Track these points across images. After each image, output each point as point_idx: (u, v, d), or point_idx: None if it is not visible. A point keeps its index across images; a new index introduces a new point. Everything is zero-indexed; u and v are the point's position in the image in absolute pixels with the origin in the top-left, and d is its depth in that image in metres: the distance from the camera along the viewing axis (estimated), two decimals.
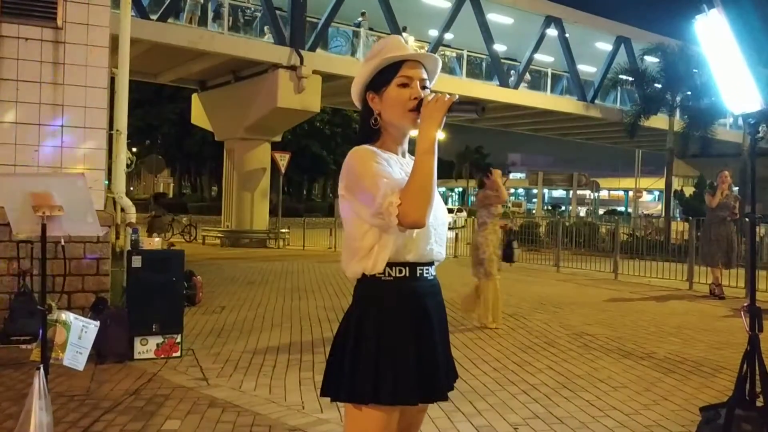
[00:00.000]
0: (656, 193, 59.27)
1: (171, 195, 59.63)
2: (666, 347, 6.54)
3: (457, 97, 1.91)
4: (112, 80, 7.30)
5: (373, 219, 1.88)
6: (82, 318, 3.05)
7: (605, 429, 4.14)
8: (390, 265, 1.96)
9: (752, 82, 3.05)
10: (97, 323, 3.15)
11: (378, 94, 2.04)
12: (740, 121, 28.59)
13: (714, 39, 3.00)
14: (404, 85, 2.01)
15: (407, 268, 1.98)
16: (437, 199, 2.07)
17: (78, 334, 2.91)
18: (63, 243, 3.16)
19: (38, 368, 2.83)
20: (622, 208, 61.83)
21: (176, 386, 4.85)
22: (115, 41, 7.09)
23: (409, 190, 1.82)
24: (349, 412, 1.97)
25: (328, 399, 2.00)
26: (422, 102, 1.95)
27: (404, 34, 21.98)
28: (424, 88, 2.03)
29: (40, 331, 2.89)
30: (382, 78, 2.03)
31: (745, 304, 3.19)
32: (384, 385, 1.91)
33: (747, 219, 11.52)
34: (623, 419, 4.32)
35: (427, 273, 2.03)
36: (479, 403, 4.58)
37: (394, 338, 1.95)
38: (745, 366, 3.12)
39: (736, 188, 10.64)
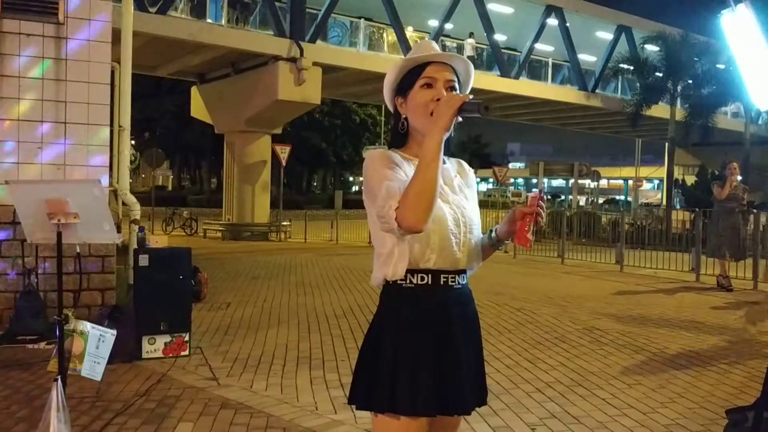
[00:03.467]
0: (656, 181, 59.26)
1: (170, 188, 59.54)
2: (678, 342, 6.49)
3: (471, 97, 1.83)
4: (113, 74, 7.20)
5: (378, 222, 1.84)
6: (99, 327, 2.99)
7: (623, 429, 4.08)
8: (412, 272, 1.90)
9: None
10: (114, 332, 3.09)
11: (405, 98, 1.99)
12: (742, 110, 28.56)
13: (741, 35, 2.92)
14: (428, 86, 1.95)
15: (429, 276, 1.92)
16: (470, 206, 2.01)
17: (95, 344, 2.84)
18: (78, 250, 3.09)
19: (56, 380, 2.76)
20: (622, 197, 61.80)
21: (186, 386, 4.79)
22: (115, 35, 6.98)
23: (407, 195, 1.76)
24: (373, 420, 1.94)
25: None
26: None
27: (469, 40, 22.94)
28: (452, 89, 1.96)
29: (57, 342, 2.82)
30: (408, 80, 1.98)
31: None
32: (401, 395, 1.86)
33: (755, 210, 11.53)
34: (641, 418, 4.26)
35: (453, 281, 1.95)
36: (494, 402, 4.51)
37: (412, 348, 1.89)
38: None
39: (739, 177, 10.56)
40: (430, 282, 1.92)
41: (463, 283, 1.99)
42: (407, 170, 1.90)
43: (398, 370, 1.87)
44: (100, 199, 2.75)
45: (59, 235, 2.69)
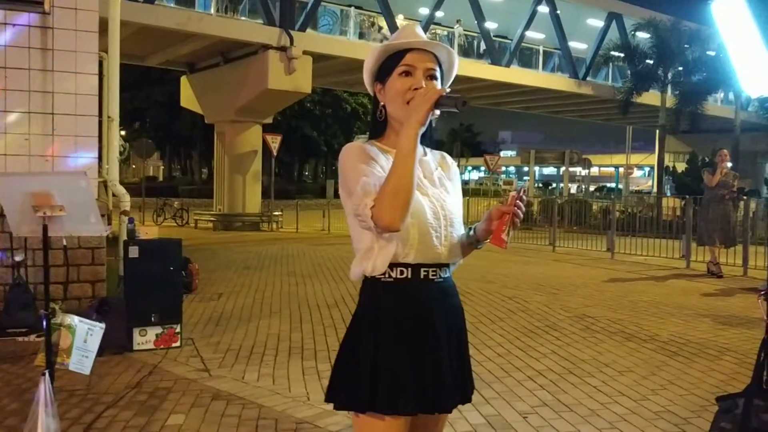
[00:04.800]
0: (646, 169, 59.46)
1: (161, 178, 59.28)
2: (668, 329, 6.52)
3: (448, 90, 1.78)
4: (100, 64, 7.14)
5: (356, 220, 1.80)
6: (87, 320, 2.96)
7: (614, 416, 4.10)
8: (391, 266, 1.85)
9: None
10: (103, 325, 3.06)
11: (383, 85, 1.93)
12: (731, 97, 28.65)
13: (732, 21, 2.91)
14: (406, 74, 1.88)
15: (409, 269, 1.85)
16: (450, 199, 1.95)
17: (83, 338, 2.82)
18: (65, 243, 3.06)
19: (44, 374, 2.74)
20: (612, 185, 62.00)
21: (178, 378, 4.78)
22: (102, 24, 6.91)
23: (383, 193, 1.71)
24: (353, 419, 1.89)
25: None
26: None
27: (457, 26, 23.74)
28: (432, 78, 1.90)
29: (45, 335, 2.79)
30: (387, 66, 1.92)
31: (762, 291, 3.13)
32: (381, 394, 1.81)
33: (745, 197, 11.58)
34: (632, 405, 4.28)
35: (434, 275, 1.88)
36: (486, 390, 4.53)
37: (393, 344, 1.83)
38: (762, 355, 3.05)
39: (729, 164, 10.61)
40: (409, 276, 1.86)
41: (446, 276, 1.93)
42: (383, 164, 1.84)
43: (378, 368, 1.82)
44: (86, 192, 2.71)
45: (45, 228, 2.65)
